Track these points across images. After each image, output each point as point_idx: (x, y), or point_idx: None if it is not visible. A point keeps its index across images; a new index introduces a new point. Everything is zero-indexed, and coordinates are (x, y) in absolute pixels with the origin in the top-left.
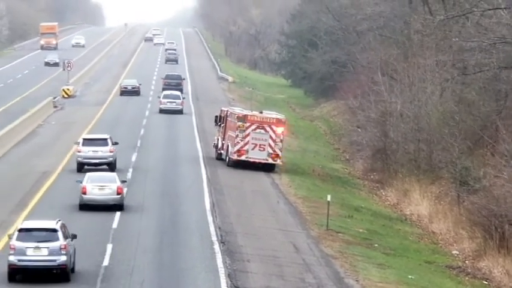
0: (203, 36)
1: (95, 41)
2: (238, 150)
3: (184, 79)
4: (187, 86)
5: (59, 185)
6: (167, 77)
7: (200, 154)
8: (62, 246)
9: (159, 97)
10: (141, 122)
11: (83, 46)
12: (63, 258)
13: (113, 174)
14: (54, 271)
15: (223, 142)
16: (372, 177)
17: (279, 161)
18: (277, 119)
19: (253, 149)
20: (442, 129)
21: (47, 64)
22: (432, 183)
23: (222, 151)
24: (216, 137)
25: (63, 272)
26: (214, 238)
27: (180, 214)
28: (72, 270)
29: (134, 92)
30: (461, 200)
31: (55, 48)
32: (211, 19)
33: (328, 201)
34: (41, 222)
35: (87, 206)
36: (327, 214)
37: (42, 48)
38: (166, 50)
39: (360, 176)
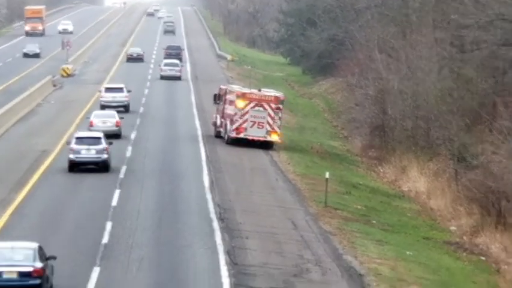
0: (202, 14)
1: (93, 21)
2: (237, 128)
3: (183, 49)
4: (187, 65)
5: (59, 163)
6: (168, 47)
7: (199, 132)
8: (105, 148)
9: (159, 65)
10: (142, 91)
11: (71, 33)
12: (105, 156)
13: (113, 113)
14: (99, 164)
15: (222, 120)
16: (370, 154)
17: (277, 139)
18: (275, 96)
19: (251, 126)
20: (440, 106)
21: (26, 55)
22: (430, 159)
23: (220, 129)
24: (214, 115)
25: (105, 165)
26: (213, 215)
27: (179, 192)
28: None
29: (139, 58)
30: (459, 176)
31: (42, 35)
32: None
33: (327, 178)
34: (90, 133)
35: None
36: (325, 191)
37: (28, 34)
38: (165, 22)
39: (358, 153)
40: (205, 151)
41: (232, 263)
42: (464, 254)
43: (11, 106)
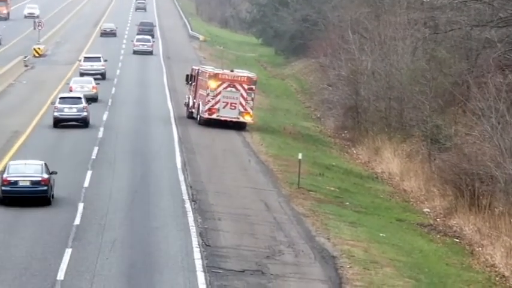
0: None
1: (64, 1)
2: (209, 109)
3: (155, 26)
4: (159, 44)
5: (31, 143)
6: (141, 24)
7: (171, 113)
8: (84, 107)
9: (132, 41)
10: (116, 64)
11: (38, 17)
12: (85, 113)
13: (90, 79)
14: (80, 121)
15: (194, 101)
16: (343, 135)
17: (250, 120)
18: (248, 77)
19: (224, 107)
20: (413, 87)
21: None
22: (403, 141)
23: (193, 110)
24: (187, 96)
25: (85, 122)
26: (185, 197)
27: (152, 173)
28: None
29: (112, 33)
30: (433, 158)
31: (6, 19)
32: None
33: (299, 160)
34: (72, 94)
35: None
36: (298, 172)
37: None
38: (136, 0)
39: (331, 134)
40: (178, 132)
41: (205, 245)
42: (438, 236)
43: None
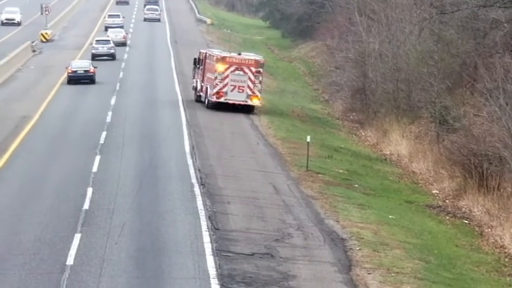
0: None
1: None
2: (217, 92)
3: None
4: (166, 30)
5: (38, 129)
6: None
7: (179, 97)
8: (112, 46)
9: (143, 10)
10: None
11: (19, 24)
12: (112, 51)
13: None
14: (109, 56)
15: (202, 84)
16: (351, 117)
17: (258, 103)
18: (255, 60)
19: (232, 90)
20: (421, 68)
21: None
22: (412, 122)
23: (201, 93)
24: (195, 80)
25: (113, 56)
26: (194, 180)
27: (160, 157)
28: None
29: (126, 2)
30: (441, 139)
31: None
32: None
33: (308, 142)
34: (104, 37)
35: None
36: (306, 155)
37: None
38: None
39: (339, 116)
40: (186, 115)
41: (214, 229)
42: (447, 217)
43: None
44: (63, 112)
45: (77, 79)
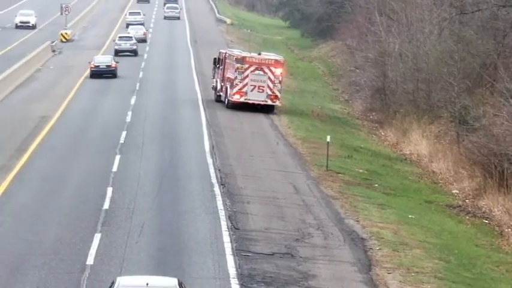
0: None
1: None
2: (237, 92)
3: None
4: (186, 29)
5: (58, 129)
6: None
7: (199, 96)
8: (135, 43)
9: (163, 8)
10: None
11: (34, 27)
12: (135, 47)
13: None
14: (132, 52)
15: (222, 84)
16: (371, 117)
17: (277, 102)
18: (275, 60)
19: (252, 90)
20: (440, 68)
21: None
22: (431, 122)
23: (221, 93)
24: (214, 79)
25: (135, 52)
26: (214, 180)
27: (180, 157)
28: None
29: (146, 1)
30: (461, 139)
31: None
32: None
33: (328, 142)
34: (126, 34)
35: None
36: (326, 155)
37: None
38: None
39: (359, 116)
40: (206, 115)
41: (234, 228)
42: (467, 217)
43: (10, 72)
44: (83, 112)
45: (100, 73)
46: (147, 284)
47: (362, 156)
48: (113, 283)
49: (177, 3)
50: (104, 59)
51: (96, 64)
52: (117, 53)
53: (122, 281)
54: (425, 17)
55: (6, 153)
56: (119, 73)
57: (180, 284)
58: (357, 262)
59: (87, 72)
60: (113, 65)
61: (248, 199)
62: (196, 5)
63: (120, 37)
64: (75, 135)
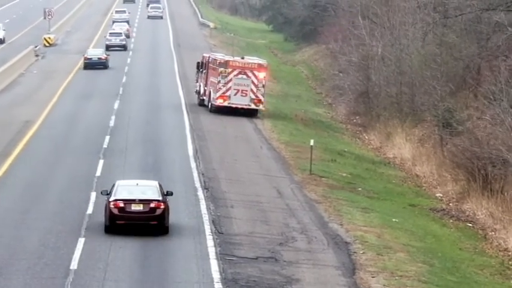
0: None
1: None
2: (221, 96)
3: None
4: (169, 33)
5: (42, 133)
6: None
7: (182, 101)
8: (124, 38)
9: (146, 7)
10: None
11: (2, 41)
12: (124, 42)
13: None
14: (122, 47)
15: (206, 88)
16: (354, 121)
17: (261, 106)
18: (258, 64)
19: (235, 94)
20: (424, 72)
21: None
22: (415, 126)
23: (204, 97)
24: (198, 84)
25: (125, 47)
26: (197, 184)
27: (163, 161)
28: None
29: (132, 0)
30: (445, 142)
31: None
32: None
33: (311, 146)
34: (117, 30)
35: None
36: (310, 158)
37: None
38: None
39: (343, 120)
40: (189, 119)
41: (218, 232)
42: (451, 220)
43: None
44: (67, 116)
45: (92, 65)
46: (137, 184)
47: (345, 160)
48: (113, 184)
49: (160, 4)
50: (95, 52)
51: (89, 57)
52: (108, 47)
53: (120, 182)
54: (408, 20)
55: None
56: (110, 63)
57: (160, 185)
58: (341, 266)
59: (71, 76)
60: (104, 57)
61: (232, 203)
62: (180, 9)
63: (110, 33)
64: (59, 140)
